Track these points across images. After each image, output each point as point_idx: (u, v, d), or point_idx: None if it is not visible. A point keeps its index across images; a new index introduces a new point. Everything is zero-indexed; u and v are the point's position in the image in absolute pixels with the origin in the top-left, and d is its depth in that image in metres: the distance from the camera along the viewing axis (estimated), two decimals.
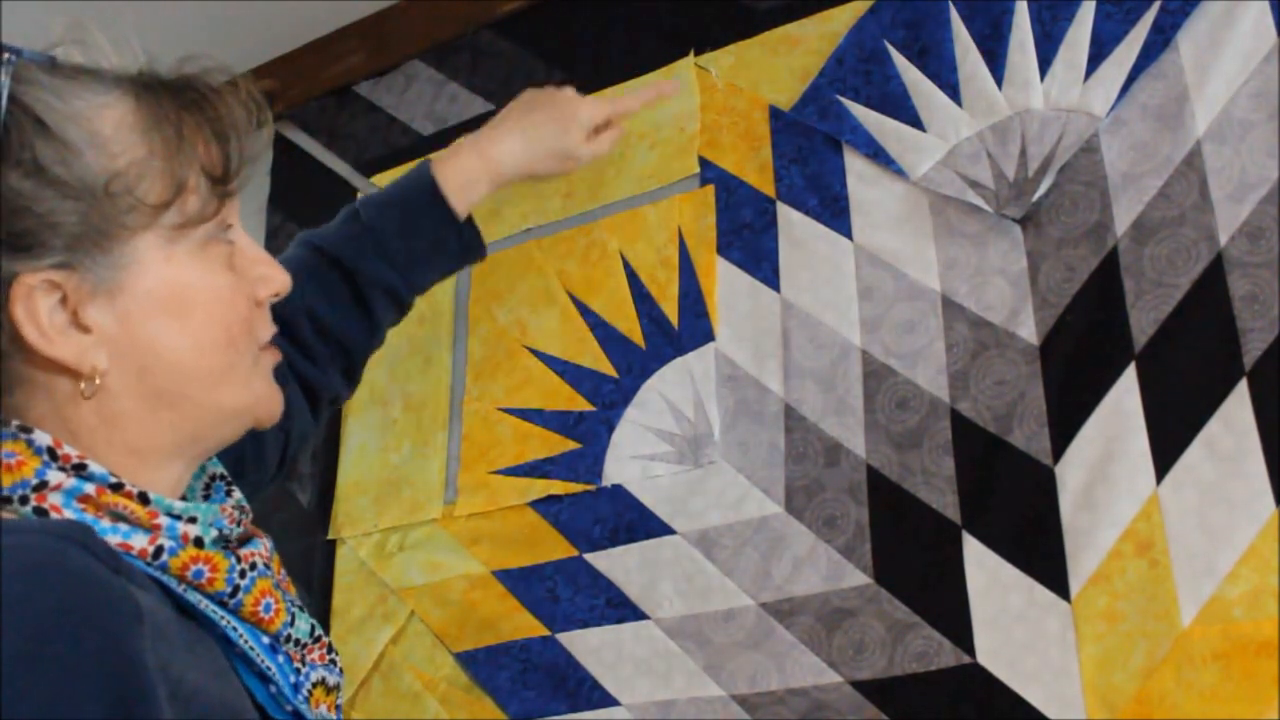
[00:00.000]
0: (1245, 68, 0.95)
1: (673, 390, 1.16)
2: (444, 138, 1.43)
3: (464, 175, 1.03)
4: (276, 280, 0.74)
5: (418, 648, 1.24)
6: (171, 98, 0.69)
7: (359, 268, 1.00)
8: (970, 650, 0.95)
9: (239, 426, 0.74)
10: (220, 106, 0.70)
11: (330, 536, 1.34)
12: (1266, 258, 0.91)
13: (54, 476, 0.64)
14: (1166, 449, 0.91)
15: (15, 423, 0.65)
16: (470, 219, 1.05)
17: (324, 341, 0.98)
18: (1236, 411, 0.89)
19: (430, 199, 1.02)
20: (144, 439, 0.68)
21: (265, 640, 0.69)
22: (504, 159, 1.04)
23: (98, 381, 0.65)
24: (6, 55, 0.64)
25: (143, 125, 0.67)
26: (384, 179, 1.46)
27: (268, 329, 0.75)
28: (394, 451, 1.32)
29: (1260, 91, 0.94)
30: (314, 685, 0.71)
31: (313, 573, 1.33)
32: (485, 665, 1.18)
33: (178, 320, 0.68)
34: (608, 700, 1.10)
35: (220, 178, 0.70)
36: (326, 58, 1.58)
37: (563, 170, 1.08)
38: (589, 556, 1.15)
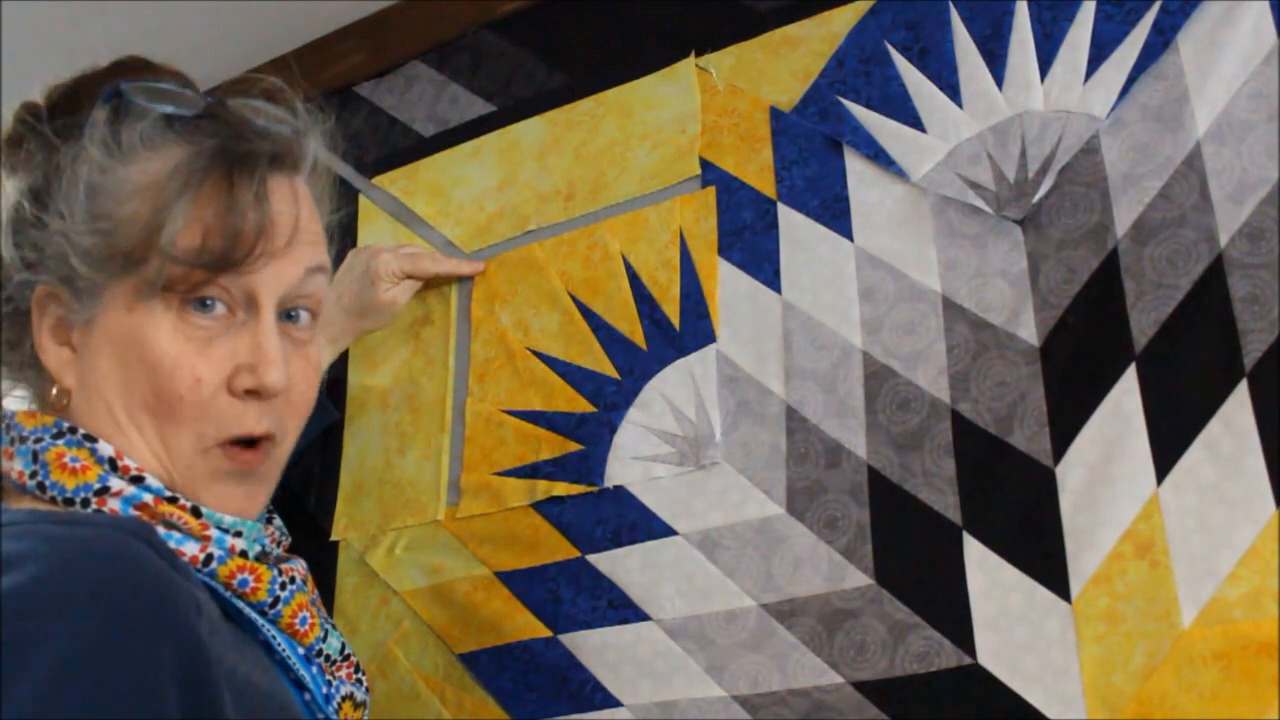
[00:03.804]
0: (1245, 68, 0.95)
1: (674, 391, 1.16)
2: (445, 139, 1.43)
3: None
4: (255, 378, 0.71)
5: (420, 649, 1.24)
6: (218, 159, 0.70)
7: None
8: (971, 651, 0.95)
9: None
10: (259, 185, 0.70)
11: (332, 538, 1.34)
12: (1267, 259, 0.91)
13: (115, 483, 0.68)
14: (1167, 450, 0.91)
15: (81, 431, 0.70)
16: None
17: None
18: (1236, 412, 0.89)
19: None
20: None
21: (300, 651, 0.74)
22: (331, 329, 1.23)
23: (70, 398, 0.72)
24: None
25: (159, 182, 0.70)
26: (385, 180, 1.46)
27: (236, 424, 0.71)
28: (396, 453, 1.33)
29: (1260, 92, 0.94)
30: (343, 699, 0.76)
31: (315, 575, 1.33)
32: (488, 667, 1.18)
33: (119, 366, 0.70)
34: (610, 701, 1.10)
35: (216, 255, 0.68)
36: (326, 58, 1.57)
37: (382, 323, 1.26)
38: (591, 558, 1.15)
